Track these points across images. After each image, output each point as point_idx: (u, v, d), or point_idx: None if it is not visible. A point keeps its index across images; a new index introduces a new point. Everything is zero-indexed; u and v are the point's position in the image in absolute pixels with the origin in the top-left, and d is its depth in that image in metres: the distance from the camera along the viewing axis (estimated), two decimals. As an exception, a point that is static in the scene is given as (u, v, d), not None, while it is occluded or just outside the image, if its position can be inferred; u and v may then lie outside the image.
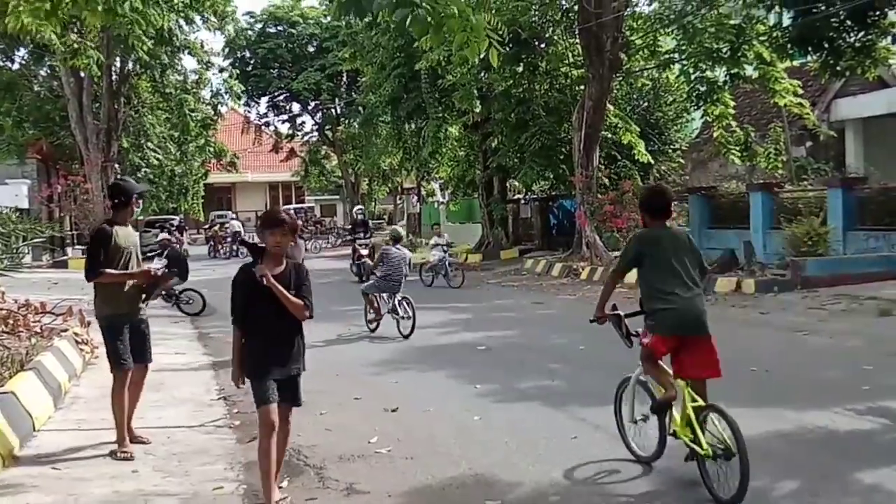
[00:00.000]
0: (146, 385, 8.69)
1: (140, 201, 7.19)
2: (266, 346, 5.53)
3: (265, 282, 5.37)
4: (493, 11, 22.13)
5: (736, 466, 5.22)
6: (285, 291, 5.44)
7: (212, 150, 41.82)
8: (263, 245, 5.60)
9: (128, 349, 7.03)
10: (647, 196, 6.35)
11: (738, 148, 24.21)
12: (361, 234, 24.38)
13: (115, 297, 7.01)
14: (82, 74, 30.96)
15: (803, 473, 5.86)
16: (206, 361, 11.63)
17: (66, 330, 11.24)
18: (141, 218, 43.89)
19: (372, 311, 13.51)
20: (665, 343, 5.89)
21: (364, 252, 22.91)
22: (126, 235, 7.11)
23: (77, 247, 33.31)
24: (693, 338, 5.86)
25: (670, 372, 5.92)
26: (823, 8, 17.53)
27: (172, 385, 9.56)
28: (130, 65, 34.68)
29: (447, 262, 22.11)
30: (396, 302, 13.13)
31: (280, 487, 6.03)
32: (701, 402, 5.67)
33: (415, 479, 6.17)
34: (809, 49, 18.94)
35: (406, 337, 12.69)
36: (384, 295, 13.39)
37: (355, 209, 27.45)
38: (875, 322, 12.22)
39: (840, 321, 12.55)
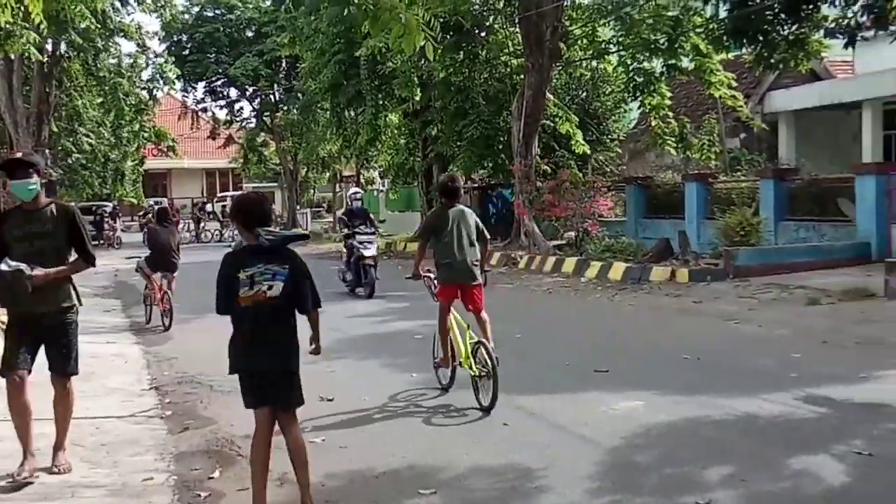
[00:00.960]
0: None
1: (31, 178, 5.87)
2: None
3: None
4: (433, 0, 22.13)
5: (491, 383, 7.40)
6: None
7: (146, 135, 41.07)
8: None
9: (15, 354, 5.91)
10: (442, 184, 8.53)
11: (673, 139, 24.53)
12: (363, 228, 16.98)
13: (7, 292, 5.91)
14: (12, 56, 30.17)
15: (734, 459, 5.95)
16: (137, 351, 11.43)
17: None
18: (73, 203, 43.00)
19: None
20: (448, 290, 8.17)
21: (369, 254, 16.35)
22: (21, 223, 5.96)
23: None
24: (466, 284, 8.12)
25: (450, 347, 8.16)
26: (758, 0, 17.77)
27: (102, 375, 9.37)
28: (63, 47, 33.90)
29: None
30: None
31: (211, 478, 5.96)
32: (476, 339, 7.81)
33: (349, 468, 6.13)
34: (744, 41, 19.16)
35: None
36: None
37: (351, 192, 18.90)
38: (804, 311, 12.48)
39: (770, 310, 12.78)
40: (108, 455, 6.48)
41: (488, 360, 7.48)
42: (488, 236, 8.46)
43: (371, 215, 18.01)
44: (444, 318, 8.14)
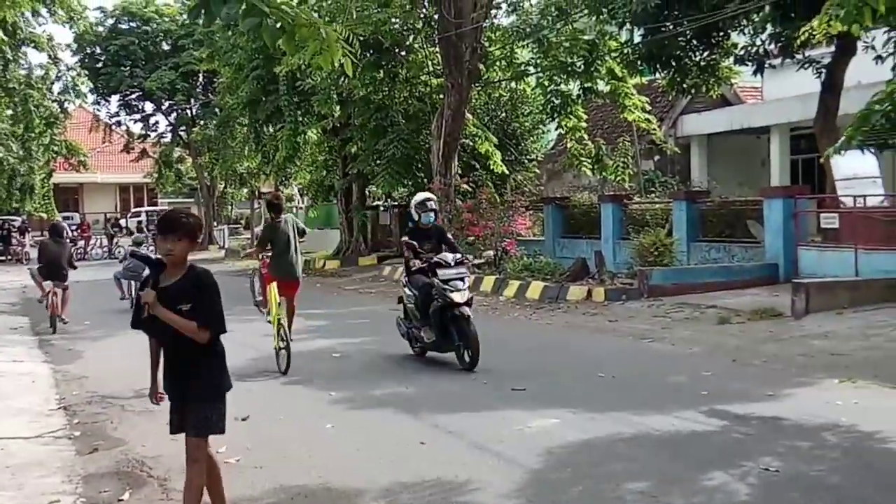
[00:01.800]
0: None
1: None
2: (165, 371, 5.04)
3: (147, 311, 4.77)
4: (355, 19, 22.14)
5: (286, 354, 10.34)
6: (171, 314, 4.76)
7: (57, 148, 40.00)
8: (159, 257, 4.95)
9: None
10: (268, 201, 12.04)
11: (589, 160, 24.95)
12: (446, 258, 10.77)
13: None
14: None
15: (646, 475, 6.05)
16: (46, 370, 11.10)
17: None
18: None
19: (121, 291, 18.12)
20: (273, 279, 10.98)
21: (461, 299, 10.40)
22: None
23: None
24: (285, 281, 11.06)
25: (274, 301, 10.78)
26: (671, 27, 18.25)
27: (8, 394, 9.10)
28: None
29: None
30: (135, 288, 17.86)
31: (120, 500, 5.82)
32: (282, 317, 10.65)
33: (263, 488, 6.05)
34: (658, 66, 19.65)
35: None
36: (131, 281, 17.25)
37: (419, 200, 11.41)
38: (714, 330, 12.77)
39: (683, 329, 13.06)
40: (13, 477, 6.28)
41: (286, 338, 10.39)
42: (306, 230, 12.00)
43: (449, 234, 12.00)
44: (266, 283, 11.22)
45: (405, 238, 11.31)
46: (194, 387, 4.96)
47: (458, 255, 10.83)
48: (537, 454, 6.62)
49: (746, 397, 8.36)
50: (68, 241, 18.15)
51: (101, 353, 12.48)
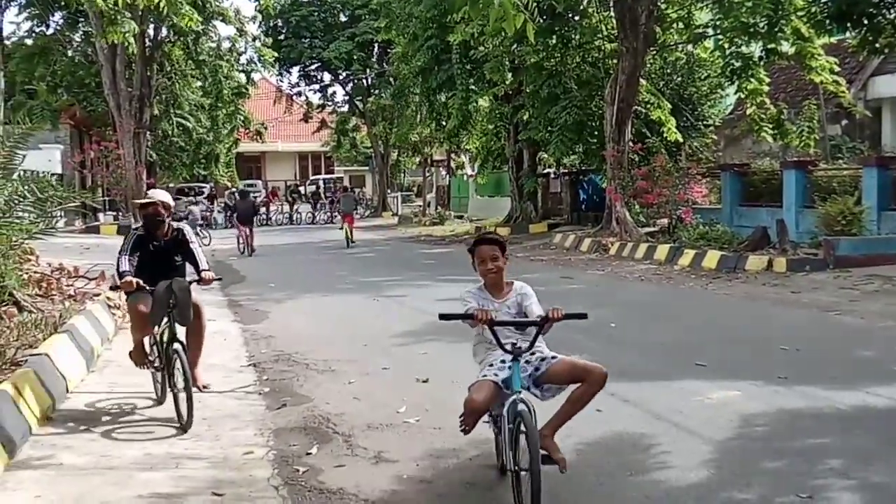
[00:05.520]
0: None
1: None
2: None
3: None
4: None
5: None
6: None
7: (241, 118, 41.91)
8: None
9: None
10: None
11: (770, 125, 23.94)
12: None
13: None
14: (116, 41, 31.16)
15: (839, 453, 5.78)
16: (235, 329, 11.71)
17: (98, 294, 11.36)
18: (172, 185, 44.31)
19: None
20: (343, 214, 27.20)
21: None
22: None
23: (109, 213, 33.58)
24: (348, 214, 27.58)
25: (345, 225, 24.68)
26: (864, -18, 17.22)
27: (203, 351, 9.62)
28: (164, 31, 34.79)
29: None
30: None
31: (308, 454, 6.08)
32: (348, 232, 26.65)
33: (443, 448, 6.18)
34: (848, 25, 18.62)
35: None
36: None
37: None
38: (909, 303, 12.08)
39: (873, 301, 12.39)
40: (209, 429, 6.67)
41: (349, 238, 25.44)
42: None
43: None
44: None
45: None
46: None
47: None
48: (719, 426, 6.45)
49: (946, 375, 7.87)
50: (254, 199, 28.63)
51: (285, 315, 13.04)
